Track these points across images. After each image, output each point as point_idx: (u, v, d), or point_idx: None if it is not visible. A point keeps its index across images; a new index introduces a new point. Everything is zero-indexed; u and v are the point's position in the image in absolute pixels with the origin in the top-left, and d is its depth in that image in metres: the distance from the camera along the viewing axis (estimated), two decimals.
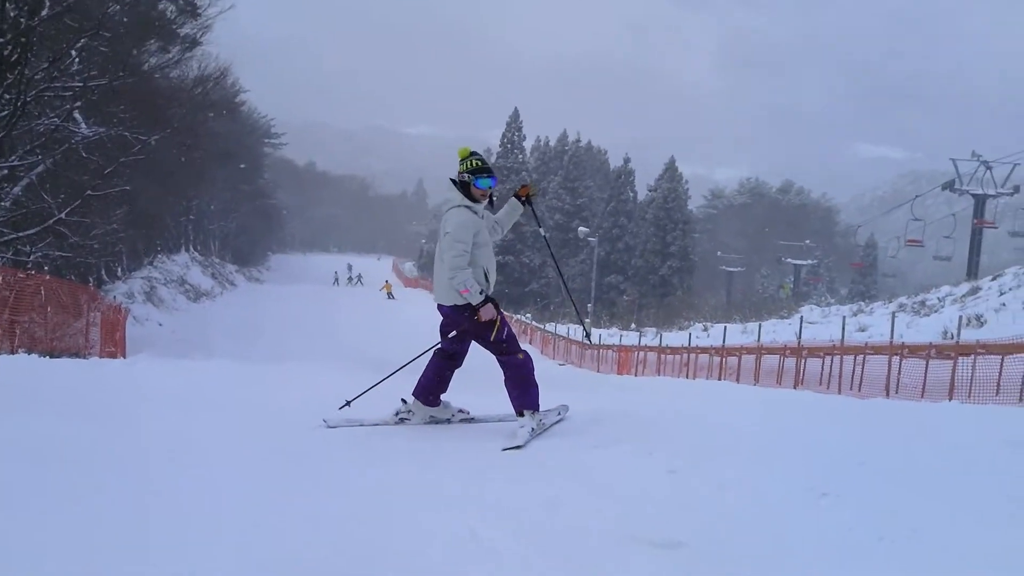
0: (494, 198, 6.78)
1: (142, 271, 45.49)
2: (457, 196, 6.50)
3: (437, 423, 7.06)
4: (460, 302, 6.44)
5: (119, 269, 41.59)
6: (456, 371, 7.05)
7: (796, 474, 4.67)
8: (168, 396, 7.68)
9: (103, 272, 37.49)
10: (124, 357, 19.42)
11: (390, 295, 72.72)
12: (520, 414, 6.51)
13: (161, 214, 45.13)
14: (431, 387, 6.92)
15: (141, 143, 26.83)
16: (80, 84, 24.12)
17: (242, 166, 74.14)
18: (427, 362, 6.98)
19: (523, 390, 6.55)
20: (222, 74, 48.16)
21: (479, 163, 6.55)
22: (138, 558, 3.42)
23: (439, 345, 6.96)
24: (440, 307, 6.70)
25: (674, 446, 5.51)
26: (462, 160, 6.59)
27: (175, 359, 12.90)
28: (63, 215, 24.10)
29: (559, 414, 7.06)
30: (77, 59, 24.39)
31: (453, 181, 6.59)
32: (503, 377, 6.66)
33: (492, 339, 6.51)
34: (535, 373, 6.74)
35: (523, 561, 3.54)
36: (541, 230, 8.20)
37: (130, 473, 4.69)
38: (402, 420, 6.96)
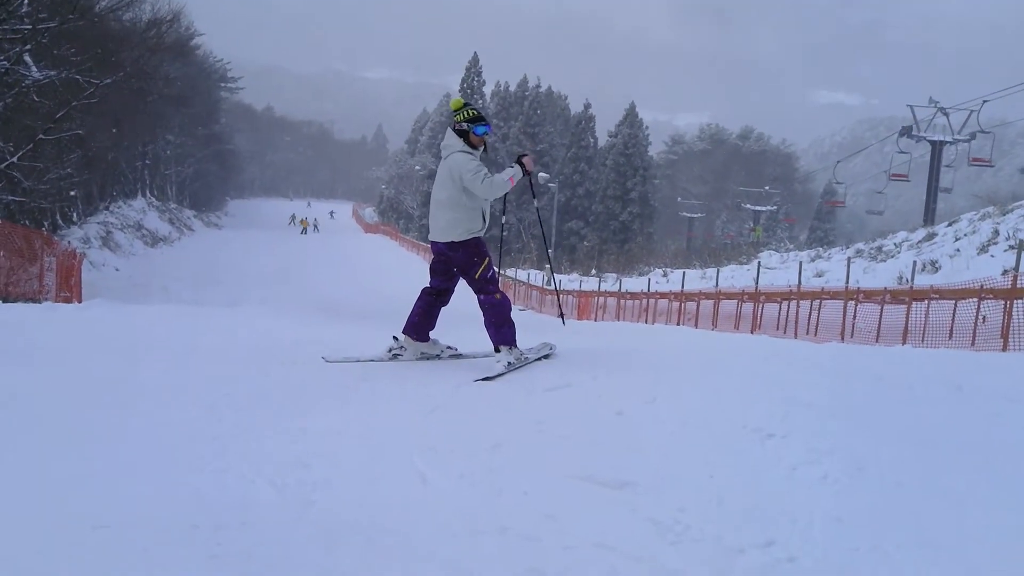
0: (487, 145, 7.26)
1: (98, 216, 44.96)
2: (457, 143, 6.99)
3: (428, 359, 7.41)
4: (456, 239, 6.94)
5: (74, 214, 41.07)
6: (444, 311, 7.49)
7: (744, 416, 4.71)
8: (121, 340, 7.64)
9: (58, 217, 36.99)
10: (80, 302, 19.27)
11: (304, 231, 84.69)
12: (497, 350, 6.95)
13: (116, 159, 44.60)
14: (420, 324, 7.32)
15: (93, 87, 26.39)
16: (29, 27, 23.68)
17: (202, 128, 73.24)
18: (416, 300, 7.37)
19: (499, 327, 6.99)
20: (175, 17, 47.43)
21: (475, 112, 7.07)
22: (78, 499, 3.42)
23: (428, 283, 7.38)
24: (435, 244, 7.16)
25: (623, 388, 5.56)
26: (457, 111, 7.08)
27: (131, 304, 12.81)
28: (15, 159, 23.78)
29: (548, 350, 7.50)
30: (26, 1, 23.85)
31: (453, 130, 7.05)
32: (482, 317, 7.11)
33: (476, 276, 7.00)
34: (512, 312, 7.21)
35: (471, 504, 3.56)
36: (536, 201, 8.73)
37: (74, 415, 4.67)
38: (395, 356, 7.31)
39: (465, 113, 7.04)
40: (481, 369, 6.68)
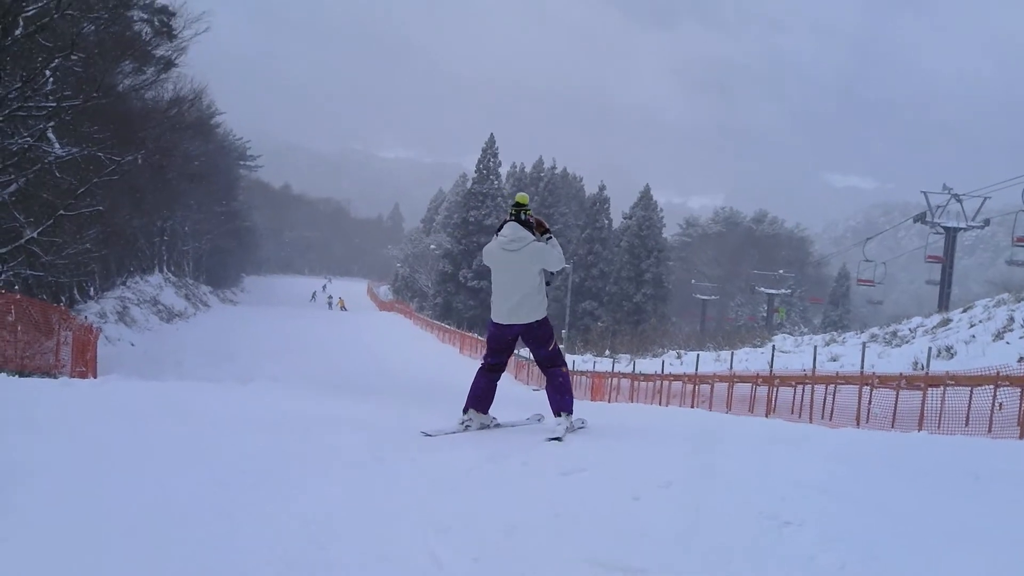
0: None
1: (115, 291, 45.13)
2: (529, 234, 7.77)
3: (486, 427, 8.09)
4: (539, 317, 7.85)
5: (91, 289, 41.27)
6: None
7: (760, 502, 4.68)
8: (135, 414, 7.64)
9: (75, 291, 37.20)
10: (95, 377, 19.29)
11: (343, 308, 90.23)
12: (558, 415, 7.73)
13: (134, 234, 44.94)
14: (484, 397, 8.06)
15: (114, 163, 26.70)
16: (54, 104, 24.03)
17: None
18: (475, 377, 8.12)
19: (562, 396, 7.83)
20: (197, 96, 48.24)
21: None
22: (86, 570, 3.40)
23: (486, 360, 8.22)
24: (512, 327, 7.88)
25: (639, 472, 5.54)
26: (525, 205, 7.86)
27: (145, 380, 12.82)
28: (35, 234, 24.00)
29: (582, 424, 8.27)
30: (51, 79, 24.25)
31: (520, 222, 7.80)
32: (546, 383, 8.12)
33: (551, 348, 7.94)
34: (572, 384, 8.23)
35: None
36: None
37: (88, 487, 4.64)
38: (466, 427, 7.92)
39: (530, 206, 7.88)
40: (516, 434, 7.73)
